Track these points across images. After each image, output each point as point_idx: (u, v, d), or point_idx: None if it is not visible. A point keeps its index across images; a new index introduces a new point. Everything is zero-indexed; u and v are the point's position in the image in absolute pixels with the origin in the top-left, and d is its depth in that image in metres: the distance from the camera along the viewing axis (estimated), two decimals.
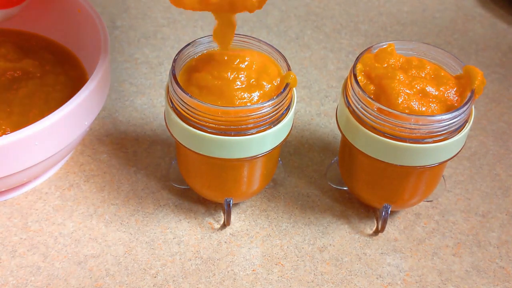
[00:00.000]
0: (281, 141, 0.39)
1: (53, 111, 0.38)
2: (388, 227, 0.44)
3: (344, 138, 0.41)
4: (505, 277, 0.41)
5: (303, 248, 0.42)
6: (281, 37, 0.59)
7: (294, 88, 0.39)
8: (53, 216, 0.43)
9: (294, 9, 0.63)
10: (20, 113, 0.42)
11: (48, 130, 0.38)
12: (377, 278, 0.41)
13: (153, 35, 0.58)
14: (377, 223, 0.44)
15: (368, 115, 0.38)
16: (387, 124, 0.37)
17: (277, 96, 0.37)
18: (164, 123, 0.41)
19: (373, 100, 0.37)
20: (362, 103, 0.38)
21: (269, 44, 0.40)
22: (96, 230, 0.42)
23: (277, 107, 0.37)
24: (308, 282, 0.40)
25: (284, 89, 0.38)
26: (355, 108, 0.39)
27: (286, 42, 0.59)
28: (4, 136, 0.37)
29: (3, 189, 0.42)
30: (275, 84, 0.38)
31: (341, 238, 0.43)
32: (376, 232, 0.43)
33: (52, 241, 0.42)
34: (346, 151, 0.42)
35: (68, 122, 0.39)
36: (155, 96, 0.52)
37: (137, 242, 0.42)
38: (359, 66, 0.40)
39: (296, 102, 0.39)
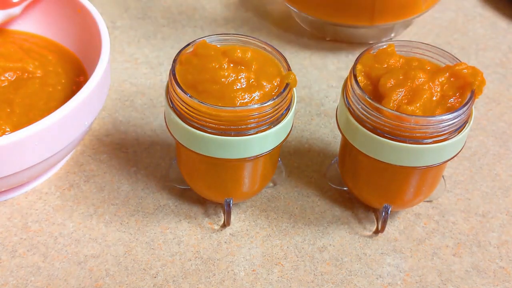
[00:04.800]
0: (281, 141, 0.39)
1: (53, 111, 0.38)
2: (388, 227, 0.44)
3: (344, 138, 0.41)
4: (505, 277, 0.41)
5: (303, 248, 0.42)
6: (281, 37, 0.59)
7: (294, 88, 0.39)
8: (53, 216, 0.43)
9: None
10: (20, 113, 0.42)
11: (48, 130, 0.38)
12: (377, 278, 0.41)
13: (153, 35, 0.58)
14: (377, 223, 0.44)
15: (368, 115, 0.38)
16: (387, 125, 0.37)
17: (277, 96, 0.37)
18: (164, 123, 0.41)
19: (373, 100, 0.37)
20: (362, 103, 0.38)
21: (269, 44, 0.40)
22: (96, 230, 0.42)
23: (277, 107, 0.37)
24: (308, 282, 0.40)
25: (284, 89, 0.38)
26: (355, 108, 0.39)
27: (286, 42, 0.59)
28: (4, 136, 0.37)
29: (3, 189, 0.42)
30: (275, 84, 0.38)
31: (341, 238, 0.43)
32: (376, 233, 0.43)
33: (52, 241, 0.42)
34: (346, 151, 0.42)
35: (68, 122, 0.39)
36: (155, 96, 0.52)
37: (137, 242, 0.42)
38: (359, 66, 0.40)
39: (296, 102, 0.39)
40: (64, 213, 0.43)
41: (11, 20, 0.49)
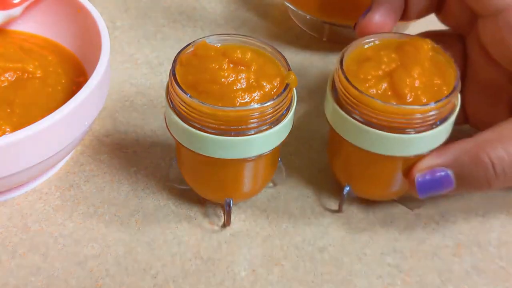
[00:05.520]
0: (281, 141, 0.39)
1: (53, 111, 0.38)
2: (388, 227, 0.44)
3: (331, 130, 0.41)
4: (505, 277, 0.41)
5: (303, 248, 0.42)
6: (281, 37, 0.59)
7: (294, 88, 0.39)
8: (53, 217, 0.43)
9: None
10: (20, 113, 0.42)
11: (48, 130, 0.38)
12: (377, 278, 0.41)
13: (153, 35, 0.59)
14: (341, 204, 0.44)
15: (353, 105, 0.38)
16: (373, 115, 0.37)
17: (277, 96, 0.37)
18: (164, 124, 0.41)
19: (358, 89, 0.38)
20: (348, 93, 0.38)
21: (269, 44, 0.40)
22: (96, 230, 0.42)
23: (277, 107, 0.37)
24: (308, 283, 0.40)
25: (284, 89, 0.38)
26: (341, 98, 0.39)
27: (286, 42, 0.59)
28: (4, 136, 0.37)
29: (3, 189, 0.42)
30: (275, 84, 0.38)
31: (341, 238, 0.43)
32: (339, 211, 0.44)
33: (52, 241, 0.42)
34: (336, 143, 0.43)
35: (68, 122, 0.39)
36: (155, 96, 0.52)
37: (137, 242, 0.42)
38: (346, 57, 0.40)
39: (296, 102, 0.40)
40: (64, 213, 0.43)
41: (11, 20, 0.49)
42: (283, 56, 0.40)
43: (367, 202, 0.45)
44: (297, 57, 0.57)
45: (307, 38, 0.59)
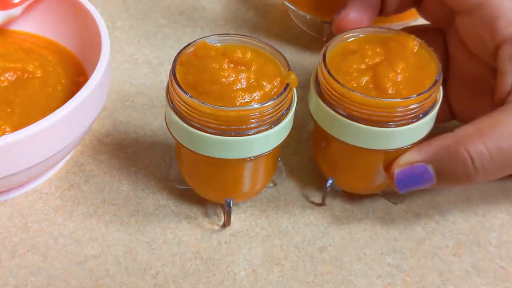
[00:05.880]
0: (281, 141, 0.39)
1: (53, 111, 0.38)
2: (388, 227, 0.44)
3: (315, 123, 0.42)
4: (505, 277, 0.41)
5: (303, 248, 0.42)
6: (281, 37, 0.59)
7: (294, 88, 0.39)
8: (53, 217, 0.43)
9: None
10: (20, 113, 0.42)
11: (48, 130, 0.38)
12: (377, 278, 0.41)
13: (153, 35, 0.59)
14: (324, 196, 0.44)
15: (336, 99, 0.38)
16: (354, 108, 0.38)
17: (277, 96, 0.37)
18: (164, 124, 0.41)
19: (341, 83, 0.38)
20: (331, 87, 0.39)
21: (269, 44, 0.40)
22: (96, 230, 0.42)
23: (277, 107, 0.37)
24: (308, 282, 0.40)
25: (284, 89, 0.38)
26: (324, 93, 0.39)
27: (286, 42, 0.59)
28: (4, 136, 0.37)
29: (3, 189, 0.42)
30: (275, 84, 0.38)
31: (341, 238, 0.43)
32: (322, 204, 0.44)
33: (52, 241, 0.42)
34: (319, 136, 0.43)
35: (68, 122, 0.39)
36: (155, 96, 0.52)
37: (137, 242, 0.42)
38: (328, 51, 0.40)
39: (296, 102, 0.40)
40: (64, 213, 0.43)
41: (11, 20, 0.49)
42: (283, 56, 0.40)
43: (353, 197, 0.45)
44: (297, 57, 0.57)
45: (307, 38, 0.59)
